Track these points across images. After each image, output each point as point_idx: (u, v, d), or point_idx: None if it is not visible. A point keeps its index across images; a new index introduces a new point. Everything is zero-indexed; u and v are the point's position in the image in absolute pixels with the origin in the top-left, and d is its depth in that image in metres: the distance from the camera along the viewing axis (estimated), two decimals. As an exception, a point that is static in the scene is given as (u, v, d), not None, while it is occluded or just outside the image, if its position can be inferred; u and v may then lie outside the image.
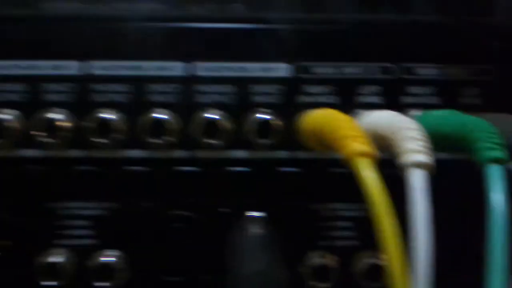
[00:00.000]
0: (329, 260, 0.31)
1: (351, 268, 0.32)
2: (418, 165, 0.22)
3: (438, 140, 0.27)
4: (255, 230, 0.29)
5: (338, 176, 0.31)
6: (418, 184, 0.22)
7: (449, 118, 0.26)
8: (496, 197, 0.21)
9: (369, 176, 0.22)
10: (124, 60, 0.30)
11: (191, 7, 0.31)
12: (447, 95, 0.31)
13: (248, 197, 0.31)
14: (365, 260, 0.32)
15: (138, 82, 0.30)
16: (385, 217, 0.21)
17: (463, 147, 0.25)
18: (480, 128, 0.24)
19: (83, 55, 0.30)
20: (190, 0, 0.30)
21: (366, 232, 0.31)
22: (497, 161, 0.22)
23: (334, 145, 0.24)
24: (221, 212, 0.31)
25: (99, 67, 0.30)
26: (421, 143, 0.23)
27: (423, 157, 0.22)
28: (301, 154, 0.31)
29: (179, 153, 0.31)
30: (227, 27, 0.31)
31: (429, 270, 0.20)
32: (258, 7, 0.31)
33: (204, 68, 0.31)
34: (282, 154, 0.31)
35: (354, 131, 0.24)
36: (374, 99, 0.31)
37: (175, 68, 0.31)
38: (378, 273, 0.31)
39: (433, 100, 0.31)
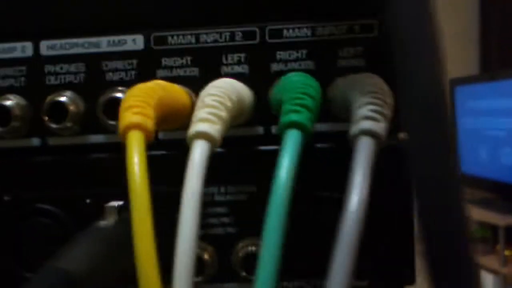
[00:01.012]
0: (203, 251, 0.28)
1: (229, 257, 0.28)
2: (198, 135, 0.19)
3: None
4: (101, 222, 0.26)
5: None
6: (193, 156, 0.18)
7: (284, 82, 0.23)
8: (282, 168, 0.17)
9: (132, 152, 0.18)
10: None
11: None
12: (323, 58, 0.27)
13: (109, 185, 0.28)
14: (243, 250, 0.28)
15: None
16: (138, 199, 0.17)
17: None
18: (289, 88, 0.20)
19: None
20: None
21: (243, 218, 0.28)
22: (294, 125, 0.19)
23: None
24: (82, 203, 0.28)
25: None
26: (210, 110, 0.19)
27: (203, 126, 0.19)
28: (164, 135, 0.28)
29: (28, 141, 0.28)
30: None
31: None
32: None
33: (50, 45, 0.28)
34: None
35: (136, 100, 0.20)
36: (239, 69, 0.28)
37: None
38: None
39: (307, 65, 0.27)
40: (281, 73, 0.27)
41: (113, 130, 0.28)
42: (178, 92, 0.24)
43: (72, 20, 0.28)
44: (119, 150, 0.28)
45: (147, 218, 0.17)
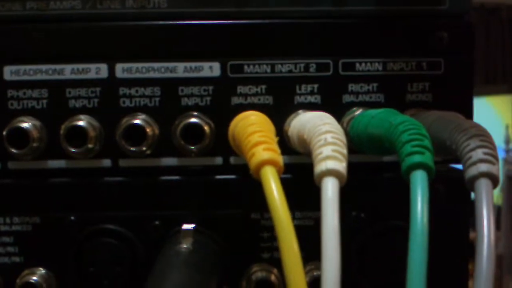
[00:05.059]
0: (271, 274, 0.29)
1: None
2: (329, 172, 0.20)
3: (371, 143, 0.25)
4: (181, 245, 0.27)
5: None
6: (326, 193, 0.19)
7: (379, 118, 0.24)
8: (416, 209, 0.19)
9: (271, 187, 0.19)
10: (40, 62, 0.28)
11: (109, 3, 0.28)
12: (392, 92, 0.29)
13: (181, 207, 0.29)
14: (309, 274, 0.29)
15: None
16: (284, 230, 0.18)
17: (393, 149, 0.22)
18: (404, 128, 0.21)
19: None
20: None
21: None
22: (419, 166, 0.20)
23: (246, 154, 0.22)
24: (153, 225, 0.29)
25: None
26: (334, 147, 0.20)
27: (333, 164, 0.20)
28: (236, 160, 0.29)
29: (102, 162, 0.29)
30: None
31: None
32: (183, 2, 0.28)
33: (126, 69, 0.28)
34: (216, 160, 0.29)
35: (262, 136, 0.21)
36: (312, 99, 0.29)
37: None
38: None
39: (377, 98, 0.29)
40: (352, 104, 0.29)
41: (185, 154, 0.28)
42: (271, 123, 0.25)
43: (149, 44, 0.28)
44: (188, 174, 0.29)
45: (295, 249, 0.18)
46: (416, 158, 0.20)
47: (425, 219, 0.18)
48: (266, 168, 0.20)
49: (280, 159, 0.20)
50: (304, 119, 0.24)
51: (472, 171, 0.20)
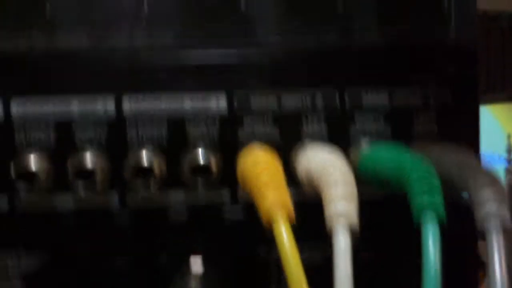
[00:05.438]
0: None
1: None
2: (339, 216, 0.20)
3: (380, 180, 0.25)
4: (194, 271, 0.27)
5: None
6: (339, 245, 0.19)
7: (387, 155, 0.24)
8: (428, 250, 0.19)
9: (282, 233, 0.19)
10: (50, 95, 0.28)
11: (117, 38, 0.28)
12: (399, 123, 0.29)
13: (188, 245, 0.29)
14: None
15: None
16: (294, 278, 0.18)
17: (403, 187, 0.22)
18: (413, 167, 0.21)
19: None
20: (116, 31, 0.28)
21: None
22: (430, 206, 0.20)
23: (256, 196, 0.22)
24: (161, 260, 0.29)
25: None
26: (347, 188, 0.20)
27: (343, 207, 0.20)
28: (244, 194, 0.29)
29: (110, 197, 0.29)
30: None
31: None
32: (187, 35, 0.28)
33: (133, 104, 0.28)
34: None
35: (273, 180, 0.21)
36: (318, 130, 0.29)
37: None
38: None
39: (384, 128, 0.29)
40: (359, 135, 0.29)
41: (192, 188, 0.28)
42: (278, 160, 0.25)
43: (155, 79, 0.28)
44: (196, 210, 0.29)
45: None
46: (429, 199, 0.20)
47: (438, 266, 0.18)
48: (276, 214, 0.20)
49: (290, 205, 0.20)
50: (312, 157, 0.24)
51: (482, 213, 0.20)
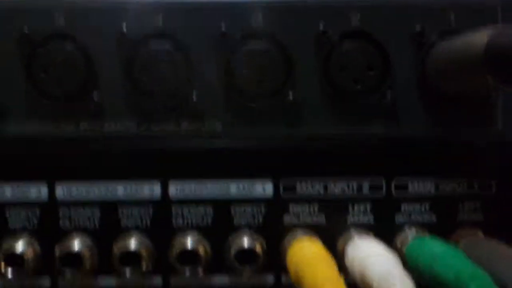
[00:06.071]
0: None
1: None
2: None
3: (433, 281, 0.24)
4: None
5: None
6: None
7: (441, 260, 0.24)
8: None
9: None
10: (94, 182, 0.28)
11: (164, 125, 0.28)
12: (444, 212, 0.29)
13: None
14: None
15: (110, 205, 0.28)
16: None
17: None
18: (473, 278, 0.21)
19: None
20: (163, 118, 0.28)
21: None
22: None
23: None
24: None
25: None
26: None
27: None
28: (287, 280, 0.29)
29: (154, 280, 0.29)
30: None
31: None
32: (236, 124, 0.28)
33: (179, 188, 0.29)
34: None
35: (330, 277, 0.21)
36: (365, 219, 0.29)
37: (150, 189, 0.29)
38: None
39: (430, 218, 0.29)
40: (405, 224, 0.29)
41: (237, 273, 0.28)
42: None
43: (202, 165, 0.29)
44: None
45: None
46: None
47: None
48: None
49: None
50: (368, 260, 0.24)
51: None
